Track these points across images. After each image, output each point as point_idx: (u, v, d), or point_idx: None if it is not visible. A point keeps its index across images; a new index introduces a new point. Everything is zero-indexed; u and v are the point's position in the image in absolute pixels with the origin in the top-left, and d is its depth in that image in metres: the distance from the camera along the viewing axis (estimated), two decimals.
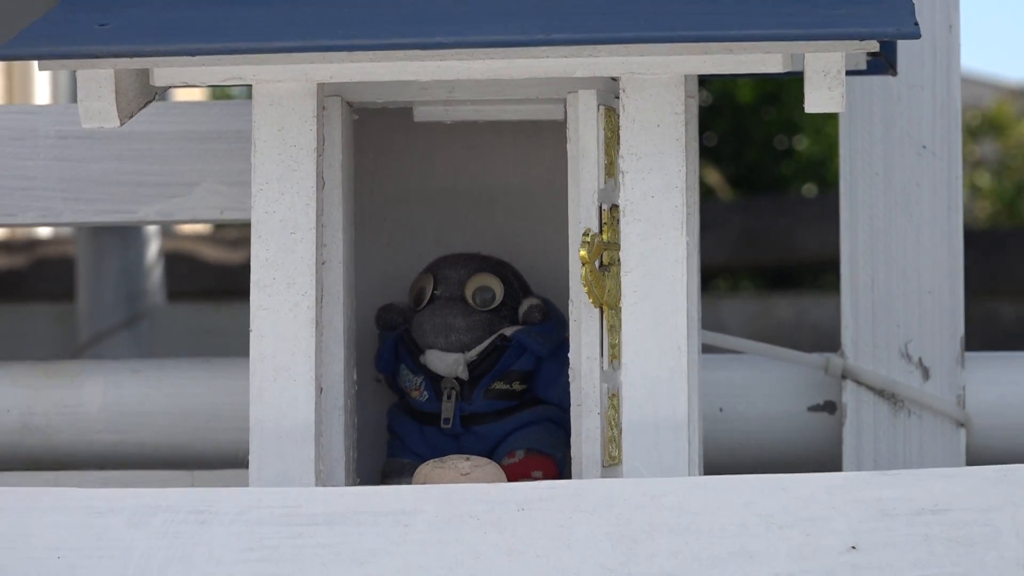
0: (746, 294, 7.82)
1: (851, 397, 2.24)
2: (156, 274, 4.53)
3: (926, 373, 2.23)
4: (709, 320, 2.32)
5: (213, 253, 6.65)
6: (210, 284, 6.23)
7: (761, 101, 10.80)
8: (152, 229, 4.60)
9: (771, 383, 2.29)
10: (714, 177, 10.48)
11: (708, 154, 10.35)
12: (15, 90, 10.10)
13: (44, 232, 7.59)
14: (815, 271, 7.73)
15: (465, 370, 1.95)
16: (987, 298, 6.76)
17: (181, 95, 6.10)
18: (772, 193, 10.16)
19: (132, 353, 4.30)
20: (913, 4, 1.79)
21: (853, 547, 1.73)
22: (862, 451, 2.25)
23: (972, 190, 13.60)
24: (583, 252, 1.83)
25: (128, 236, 4.41)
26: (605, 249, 1.83)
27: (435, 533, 1.75)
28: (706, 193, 10.07)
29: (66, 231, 6.16)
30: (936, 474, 1.79)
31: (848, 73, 1.91)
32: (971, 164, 13.81)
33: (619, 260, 1.83)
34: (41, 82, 9.55)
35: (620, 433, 1.84)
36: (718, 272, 8.07)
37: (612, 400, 1.85)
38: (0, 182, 2.27)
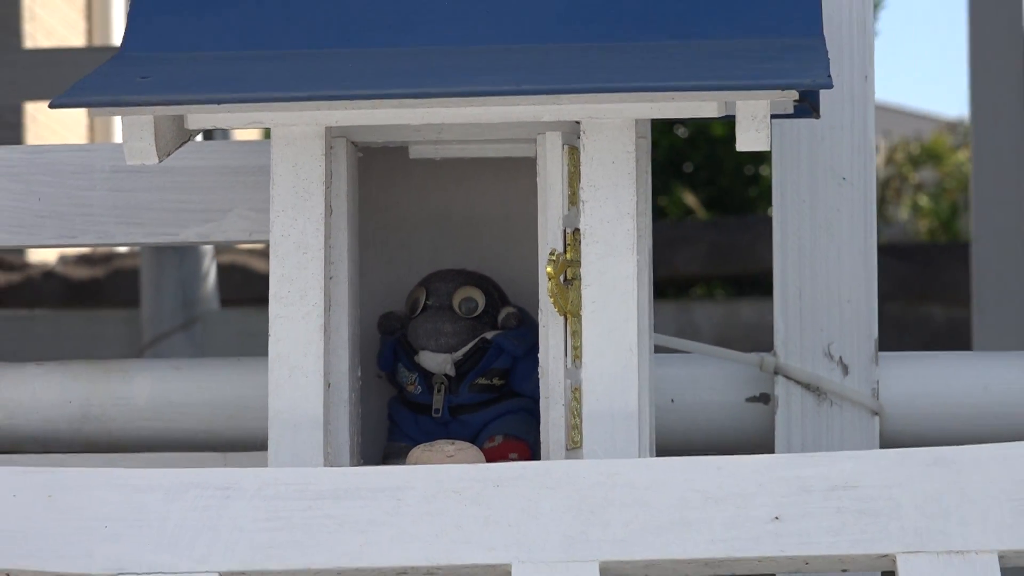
0: (717, 299, 7.82)
1: (782, 390, 2.25)
2: (210, 283, 4.53)
3: (845, 370, 2.23)
4: (683, 321, 2.33)
5: (263, 265, 6.65)
6: (261, 292, 6.23)
7: (732, 134, 10.79)
8: (208, 253, 4.64)
9: (715, 378, 2.29)
10: (691, 199, 10.46)
11: (686, 180, 10.33)
12: (96, 125, 10.12)
13: (123, 248, 7.62)
14: (761, 283, 7.77)
15: (453, 368, 1.96)
16: (923, 304, 6.76)
17: (239, 132, 6.08)
18: (740, 213, 10.17)
19: (188, 353, 4.29)
20: (828, 60, 1.79)
21: (776, 518, 1.74)
22: (791, 436, 2.25)
23: (914, 210, 13.56)
24: (549, 269, 1.84)
25: (185, 251, 4.42)
26: (568, 266, 1.84)
27: (424, 506, 1.76)
28: (685, 213, 10.04)
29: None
30: (848, 456, 1.81)
31: (779, 116, 1.93)
32: (913, 188, 13.77)
33: (580, 275, 1.83)
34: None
35: (581, 421, 1.84)
36: (695, 281, 8.06)
37: (575, 393, 1.85)
38: (63, 209, 2.27)
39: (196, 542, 1.75)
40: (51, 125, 9.73)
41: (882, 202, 13.19)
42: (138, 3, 1.91)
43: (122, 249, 7.51)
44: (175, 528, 1.76)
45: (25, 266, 7.06)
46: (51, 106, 1.82)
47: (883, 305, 6.87)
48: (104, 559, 1.74)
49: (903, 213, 13.40)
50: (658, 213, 9.97)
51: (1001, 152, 4.19)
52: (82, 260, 7.26)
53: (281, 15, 1.89)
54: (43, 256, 7.85)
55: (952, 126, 15.30)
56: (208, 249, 4.58)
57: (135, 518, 1.76)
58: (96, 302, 6.31)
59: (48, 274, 6.87)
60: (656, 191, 9.03)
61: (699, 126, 10.84)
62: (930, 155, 14.16)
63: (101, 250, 7.73)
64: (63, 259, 7.32)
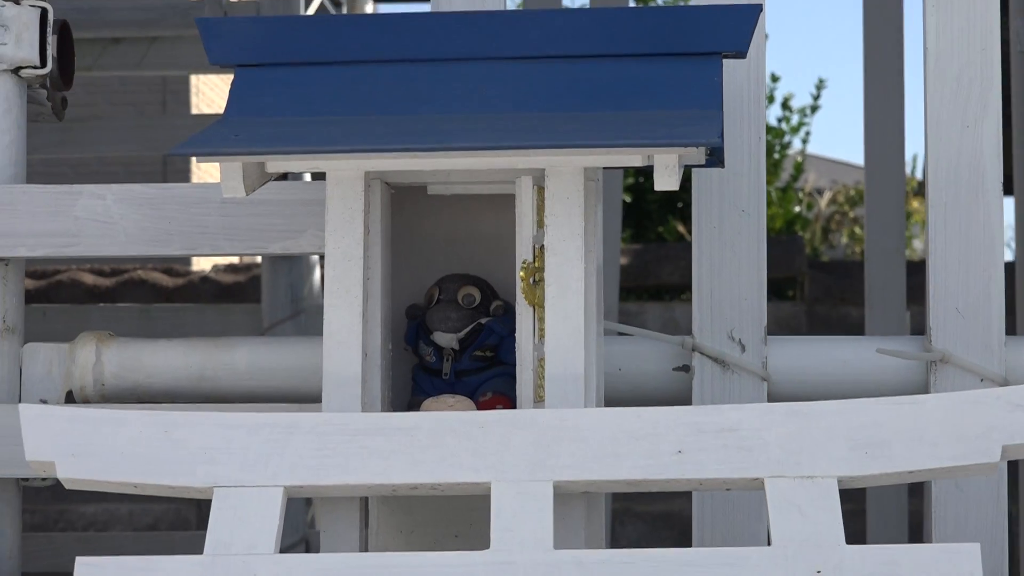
0: (683, 303, 7.79)
1: (698, 362, 2.23)
2: (315, 284, 4.53)
3: (743, 348, 2.22)
4: (667, 318, 2.31)
5: None
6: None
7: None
8: (315, 257, 4.60)
9: (650, 353, 2.28)
10: (682, 228, 10.38)
11: (679, 214, 10.23)
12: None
13: (258, 258, 7.60)
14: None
15: (457, 343, 1.95)
16: (843, 306, 6.72)
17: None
18: None
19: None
20: (722, 125, 1.80)
21: (679, 451, 1.75)
22: (704, 395, 2.24)
23: (851, 237, 13.41)
24: (522, 273, 1.85)
25: (294, 261, 4.43)
26: (536, 271, 1.84)
27: (429, 440, 1.77)
28: (678, 238, 9.96)
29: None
30: (732, 408, 1.80)
31: (697, 166, 1.94)
32: (850, 221, 13.63)
33: (544, 278, 1.84)
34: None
35: (544, 382, 1.85)
36: (679, 289, 8.02)
37: (540, 362, 1.86)
38: (187, 229, 2.27)
39: (268, 464, 1.77)
40: (210, 170, 9.76)
41: (827, 232, 13.06)
42: (236, 85, 1.92)
43: (259, 259, 7.52)
44: (254, 454, 1.77)
45: (188, 272, 7.07)
46: (168, 154, 1.85)
47: (813, 306, 6.78)
48: (204, 476, 1.77)
49: (844, 239, 13.27)
50: (657, 238, 9.91)
51: (885, 194, 4.19)
52: (228, 269, 7.27)
53: (333, 92, 1.89)
54: (202, 264, 7.87)
55: None
56: (312, 258, 4.58)
57: (226, 447, 1.78)
58: (237, 300, 6.31)
59: (204, 279, 6.88)
60: (656, 222, 8.89)
61: (687, 174, 10.73)
62: (862, 197, 14.00)
63: (245, 260, 7.73)
64: (215, 268, 7.33)
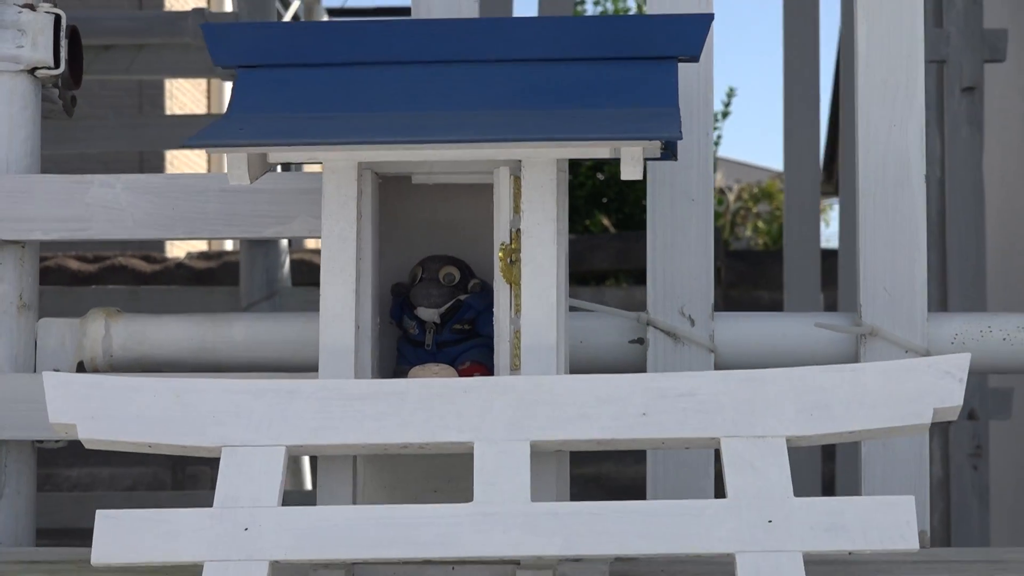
0: (622, 286, 7.80)
1: (652, 335, 2.24)
2: (286, 269, 4.53)
3: (692, 322, 2.23)
4: (597, 300, 2.32)
5: (319, 260, 6.64)
6: (315, 278, 6.23)
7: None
8: (284, 243, 4.60)
9: (609, 327, 2.28)
10: (607, 221, 10.40)
11: (603, 208, 10.25)
12: (212, 163, 10.10)
13: (228, 245, 7.58)
14: None
15: (439, 318, 1.94)
16: (755, 290, 6.78)
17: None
18: (637, 230, 10.15)
19: None
20: (680, 122, 1.77)
21: (644, 414, 1.75)
22: (657, 365, 2.23)
23: (754, 230, 13.50)
24: (500, 254, 1.85)
25: (269, 246, 4.40)
26: (512, 253, 1.84)
27: (417, 404, 1.77)
28: (602, 230, 9.98)
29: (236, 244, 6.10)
30: (690, 374, 1.79)
31: (653, 159, 1.93)
32: (754, 215, 13.72)
33: (520, 259, 1.84)
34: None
35: (520, 352, 1.84)
36: (606, 274, 8.04)
37: (516, 334, 1.85)
38: (189, 215, 2.26)
39: (271, 426, 1.77)
40: (180, 167, 9.73)
41: (734, 225, 13.13)
42: (239, 84, 1.91)
43: (228, 247, 7.51)
44: (258, 417, 1.77)
45: (164, 259, 7.05)
46: (182, 146, 1.85)
47: (729, 291, 6.85)
48: (213, 436, 1.76)
49: (748, 232, 13.35)
50: (584, 230, 9.93)
51: (802, 191, 4.22)
52: (201, 256, 7.26)
53: (327, 90, 1.89)
54: (176, 252, 7.86)
55: (780, 175, 15.28)
56: (284, 246, 4.58)
57: (233, 411, 1.77)
58: (210, 283, 6.31)
59: (180, 265, 6.87)
60: (584, 216, 8.92)
61: (613, 172, 10.79)
62: (765, 194, 14.07)
63: (215, 247, 7.72)
64: (190, 255, 7.31)
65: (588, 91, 1.87)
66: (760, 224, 13.95)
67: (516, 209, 1.86)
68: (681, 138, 1.76)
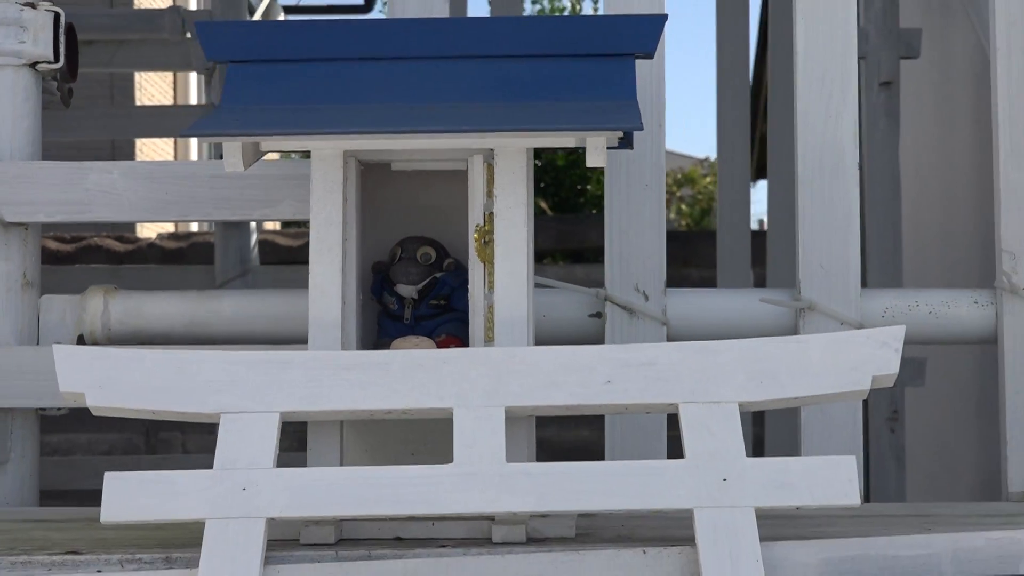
0: (560, 264, 7.83)
1: (610, 310, 2.24)
2: (255, 250, 4.53)
3: (646, 298, 2.23)
4: (540, 275, 2.33)
5: (283, 240, 6.64)
6: (281, 257, 6.21)
7: (569, 164, 10.81)
8: (252, 225, 4.60)
9: (570, 303, 2.28)
10: (544, 204, 10.44)
11: (540, 192, 10.29)
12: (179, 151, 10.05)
13: (194, 227, 7.55)
14: (596, 252, 7.71)
15: (416, 294, 1.95)
16: (685, 268, 6.81)
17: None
18: (573, 212, 10.18)
19: None
20: (640, 114, 1.78)
21: (608, 381, 1.76)
22: (614, 337, 2.24)
23: (678, 213, 13.57)
24: (475, 235, 1.85)
25: (241, 228, 4.40)
26: (487, 234, 1.85)
27: (400, 374, 1.77)
28: (539, 213, 10.01)
29: (208, 227, 6.09)
30: (650, 346, 1.81)
31: (612, 148, 1.94)
32: (677, 200, 13.79)
33: (493, 239, 1.84)
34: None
35: (493, 326, 1.85)
36: (546, 254, 8.07)
37: (490, 309, 1.86)
38: (181, 200, 2.25)
39: (266, 394, 1.77)
40: (149, 154, 9.67)
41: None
42: (231, 78, 1.91)
43: (195, 228, 7.49)
44: (253, 386, 1.78)
45: (136, 240, 7.03)
46: (180, 135, 1.85)
47: None
48: (212, 404, 1.77)
49: (672, 214, 13.40)
50: None
51: (734, 177, 4.24)
52: (171, 236, 7.23)
53: (314, 84, 1.89)
54: (147, 233, 7.83)
55: (701, 162, 15.34)
56: (254, 228, 4.58)
57: (230, 380, 1.78)
58: (180, 262, 6.29)
59: (151, 245, 6.84)
60: None
61: (549, 159, 10.82)
62: (688, 180, 14.17)
63: (182, 229, 7.69)
64: (160, 235, 7.29)
65: (554, 85, 1.87)
66: (683, 207, 14.04)
67: (489, 194, 1.87)
68: (642, 128, 1.75)
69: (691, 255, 6.87)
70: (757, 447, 4.73)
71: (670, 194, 13.73)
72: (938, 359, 4.03)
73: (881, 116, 4.12)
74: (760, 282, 4.52)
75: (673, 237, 8.07)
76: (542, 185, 10.44)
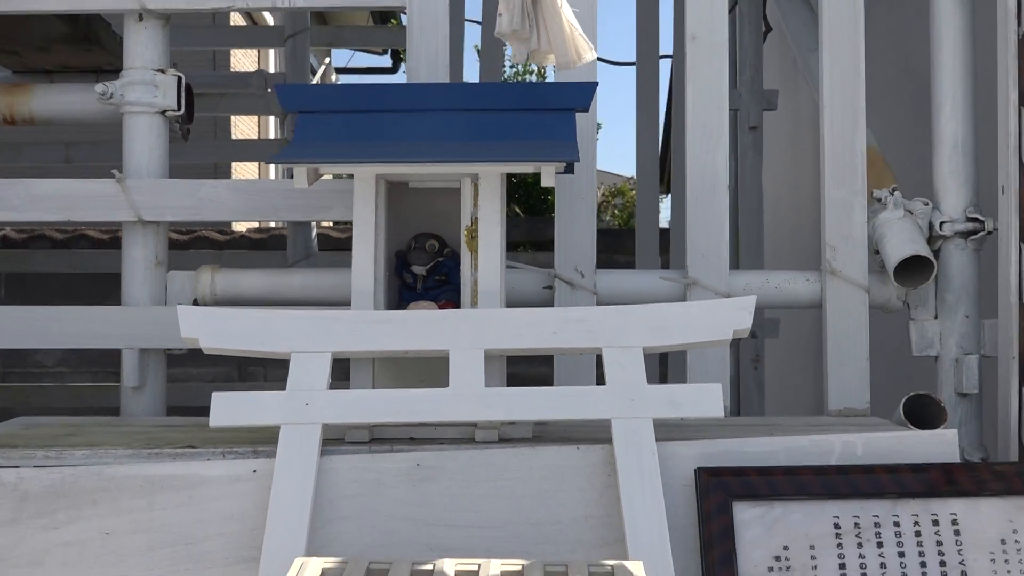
0: (530, 252, 7.80)
1: (557, 283, 2.22)
2: (315, 240, 4.50)
3: (582, 275, 2.21)
4: (514, 261, 2.31)
5: (334, 233, 6.60)
6: (333, 245, 6.16)
7: (536, 180, 10.66)
8: (313, 224, 4.48)
9: (529, 279, 2.25)
10: (518, 209, 10.38)
11: (515, 200, 10.17)
12: (262, 171, 9.98)
13: (273, 224, 7.49)
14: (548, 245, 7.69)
15: (425, 272, 1.94)
16: (614, 256, 6.80)
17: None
18: (540, 215, 10.13)
19: None
20: (578, 149, 1.80)
21: (555, 332, 1.77)
22: (560, 303, 2.20)
23: (612, 216, 13.49)
24: (465, 233, 1.87)
25: (305, 226, 4.31)
26: (473, 232, 1.86)
27: (414, 327, 1.79)
28: (515, 215, 9.93)
29: (282, 224, 6.02)
30: (584, 308, 1.83)
31: (558, 173, 1.91)
32: (612, 207, 13.71)
33: (478, 236, 1.85)
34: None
35: (477, 295, 1.86)
36: (519, 245, 8.03)
37: (475, 284, 1.86)
38: (264, 206, 2.26)
39: (322, 339, 1.78)
40: (242, 174, 9.61)
41: (599, 212, 13.07)
42: (300, 123, 1.91)
43: (273, 225, 7.44)
44: (313, 334, 1.78)
45: (232, 233, 7.00)
46: (266, 161, 1.87)
47: (597, 255, 6.78)
48: (284, 346, 1.78)
49: (608, 217, 13.34)
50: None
51: (648, 191, 4.27)
52: (257, 231, 7.20)
53: (357, 128, 1.89)
54: (240, 228, 7.79)
55: (629, 179, 15.21)
56: (314, 225, 4.54)
57: (296, 330, 1.79)
58: (263, 249, 6.25)
59: (243, 236, 6.82)
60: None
61: (522, 177, 10.69)
62: (619, 192, 14.07)
63: (264, 225, 7.65)
64: (249, 230, 7.26)
65: (519, 130, 1.88)
66: (616, 212, 13.96)
67: (475, 204, 1.87)
68: (579, 160, 1.79)
69: (619, 246, 6.82)
70: (662, 380, 4.77)
71: (606, 201, 13.65)
72: (787, 319, 4.08)
73: (750, 150, 4.16)
74: (665, 265, 4.55)
75: (606, 233, 8.04)
76: (516, 195, 10.34)
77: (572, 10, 1.90)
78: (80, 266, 4.84)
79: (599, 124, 14.23)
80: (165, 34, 2.31)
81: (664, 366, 4.41)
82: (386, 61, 6.82)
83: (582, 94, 1.93)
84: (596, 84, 2.00)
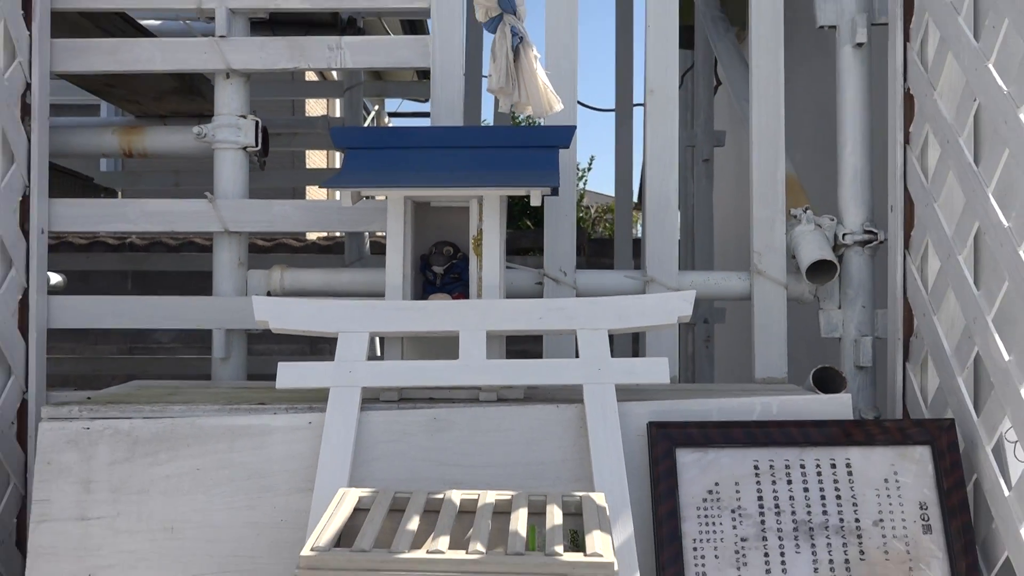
0: (537, 256, 7.74)
1: (546, 280, 2.20)
2: (367, 246, 4.48)
3: (565, 274, 2.20)
4: (521, 264, 2.29)
5: (383, 240, 6.56)
6: (382, 250, 6.13)
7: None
8: (366, 233, 4.46)
9: (525, 276, 2.22)
10: (528, 222, 10.31)
11: (527, 216, 10.13)
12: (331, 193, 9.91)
13: (337, 234, 7.45)
14: None
15: (442, 271, 1.93)
16: (601, 258, 6.75)
17: None
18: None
19: None
20: (559, 177, 1.79)
21: (541, 318, 1.75)
22: (548, 295, 2.16)
23: (604, 228, 13.39)
24: (473, 241, 1.86)
25: (359, 235, 4.30)
26: (479, 239, 1.85)
27: (434, 313, 1.78)
28: (526, 227, 9.87)
29: (341, 234, 5.96)
30: (563, 299, 1.75)
31: (546, 196, 1.90)
32: (604, 221, 13.61)
33: (482, 243, 1.84)
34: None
35: (482, 289, 1.84)
36: (528, 250, 7.97)
37: (479, 280, 1.85)
38: (323, 220, 2.25)
39: (362, 322, 1.77)
40: (314, 196, 9.57)
41: (593, 225, 12.95)
42: (347, 157, 1.89)
43: (338, 234, 7.41)
44: (356, 318, 1.78)
45: (305, 240, 7.00)
46: (320, 187, 1.86)
47: (590, 259, 6.62)
48: (334, 327, 1.77)
49: (601, 229, 13.25)
50: (516, 227, 9.80)
51: (624, 210, 4.26)
52: (323, 239, 7.19)
53: (391, 161, 1.87)
54: (311, 237, 7.78)
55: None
56: (366, 235, 4.52)
57: (343, 315, 1.78)
58: (329, 253, 6.23)
59: (313, 243, 6.82)
60: (517, 219, 8.69)
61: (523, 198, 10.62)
62: (610, 210, 13.94)
63: (330, 235, 7.63)
64: (319, 238, 7.25)
65: (514, 162, 1.86)
66: (608, 225, 13.86)
67: (480, 219, 1.87)
68: (559, 185, 1.79)
69: (607, 252, 6.74)
70: (636, 355, 4.75)
71: (600, 217, 13.53)
72: (731, 309, 4.08)
73: (703, 178, 4.16)
74: (638, 267, 4.54)
75: (598, 242, 7.96)
76: (528, 212, 10.27)
77: (545, 72, 1.89)
78: (187, 266, 4.86)
79: (593, 158, 14.04)
80: (246, 88, 2.31)
81: (636, 344, 4.42)
82: (427, 107, 6.82)
83: (563, 135, 1.92)
84: (575, 127, 1.99)
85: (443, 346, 1.87)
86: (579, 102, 2.24)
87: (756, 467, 1.72)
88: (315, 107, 9.65)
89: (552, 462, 1.71)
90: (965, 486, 1.69)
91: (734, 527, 1.66)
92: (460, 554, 1.24)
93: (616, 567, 1.23)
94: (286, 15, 3.30)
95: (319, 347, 6.50)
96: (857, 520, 1.67)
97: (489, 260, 1.84)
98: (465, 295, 1.90)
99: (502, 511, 1.44)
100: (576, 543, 1.39)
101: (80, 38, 2.24)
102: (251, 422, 1.74)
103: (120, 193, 4.81)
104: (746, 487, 1.70)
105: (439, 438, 1.72)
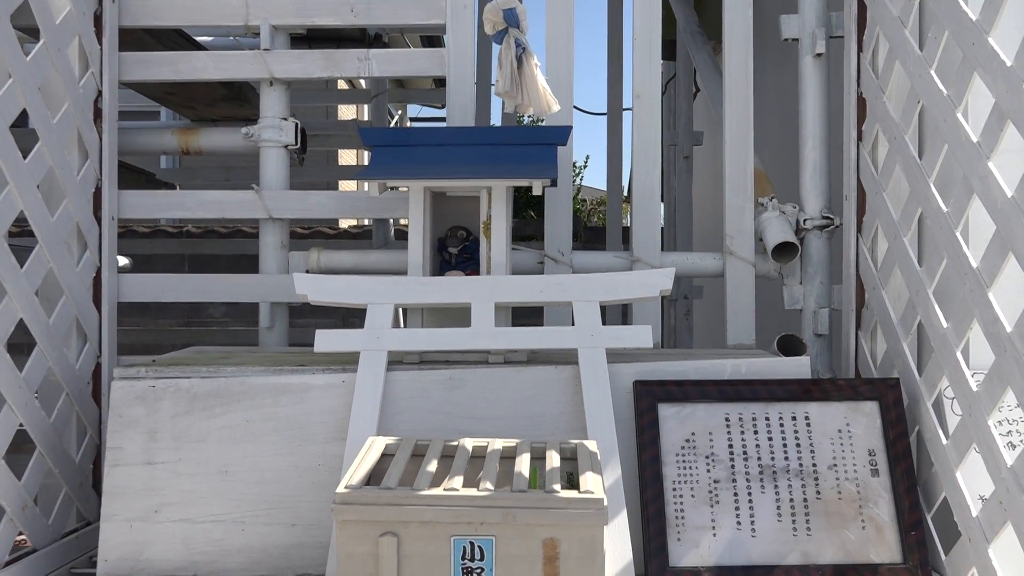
0: (540, 241, 7.68)
1: (546, 260, 2.18)
2: (392, 232, 4.44)
3: (562, 254, 2.18)
4: (527, 246, 2.27)
5: (406, 228, 6.50)
6: (405, 235, 6.09)
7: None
8: (391, 220, 4.45)
9: (529, 257, 2.19)
10: (533, 213, 10.25)
11: (531, 207, 10.05)
12: (360, 184, 9.86)
13: (366, 221, 7.40)
14: None
15: (458, 251, 1.91)
16: (597, 243, 6.72)
17: None
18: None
19: None
20: (557, 170, 1.78)
21: (541, 291, 1.75)
22: (548, 272, 2.16)
23: (599, 218, 13.32)
24: (483, 225, 1.83)
25: (385, 221, 4.21)
26: (488, 224, 1.82)
27: (448, 288, 1.76)
28: (531, 216, 9.78)
29: (370, 221, 5.90)
30: (560, 276, 1.74)
31: (546, 187, 1.95)
32: (599, 212, 13.54)
33: (491, 228, 1.82)
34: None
35: (491, 267, 1.82)
36: (532, 236, 7.91)
37: (488, 259, 1.83)
38: (353, 208, 2.23)
39: (388, 295, 1.76)
40: (346, 187, 9.54)
41: (589, 215, 12.88)
42: (374, 153, 1.87)
43: (367, 222, 7.37)
44: (383, 291, 1.76)
45: (338, 228, 6.97)
46: (351, 178, 1.87)
47: (586, 244, 6.60)
48: (364, 299, 1.74)
49: (596, 219, 13.17)
50: (522, 216, 9.68)
51: (615, 202, 4.25)
52: (355, 226, 7.15)
53: (412, 156, 1.85)
54: (344, 225, 7.76)
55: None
56: (391, 221, 4.49)
57: (371, 290, 1.76)
58: (359, 238, 6.21)
59: (346, 231, 6.79)
60: (523, 210, 8.59)
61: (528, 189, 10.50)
62: (603, 201, 13.88)
63: (360, 221, 7.59)
64: (351, 225, 7.22)
65: (518, 157, 1.84)
66: (601, 216, 13.80)
67: (489, 206, 1.85)
68: (557, 177, 1.78)
69: (600, 239, 6.77)
70: (624, 323, 4.76)
71: (594, 208, 13.46)
72: (708, 286, 4.08)
73: (684, 173, 4.15)
74: (627, 250, 4.52)
75: (593, 229, 7.88)
76: (533, 204, 10.22)
77: (544, 78, 1.88)
78: (236, 250, 4.87)
79: (588, 157, 13.91)
80: (287, 94, 2.30)
81: (625, 315, 4.42)
82: (443, 112, 6.79)
83: (561, 134, 1.91)
84: (571, 127, 1.97)
85: (457, 316, 1.87)
86: (575, 107, 2.24)
87: (727, 419, 1.72)
88: (346, 112, 9.62)
89: (551, 415, 1.72)
90: (908, 436, 1.70)
91: (708, 470, 1.67)
92: (472, 491, 1.27)
93: (605, 502, 1.25)
94: (321, 31, 3.29)
95: (351, 321, 6.49)
96: (814, 465, 1.68)
97: (497, 242, 1.82)
98: (476, 272, 1.89)
99: (508, 456, 1.46)
100: (572, 483, 1.40)
101: (144, 51, 2.24)
102: (293, 381, 1.75)
103: (178, 187, 4.82)
104: (718, 436, 1.71)
105: (454, 394, 1.72)
